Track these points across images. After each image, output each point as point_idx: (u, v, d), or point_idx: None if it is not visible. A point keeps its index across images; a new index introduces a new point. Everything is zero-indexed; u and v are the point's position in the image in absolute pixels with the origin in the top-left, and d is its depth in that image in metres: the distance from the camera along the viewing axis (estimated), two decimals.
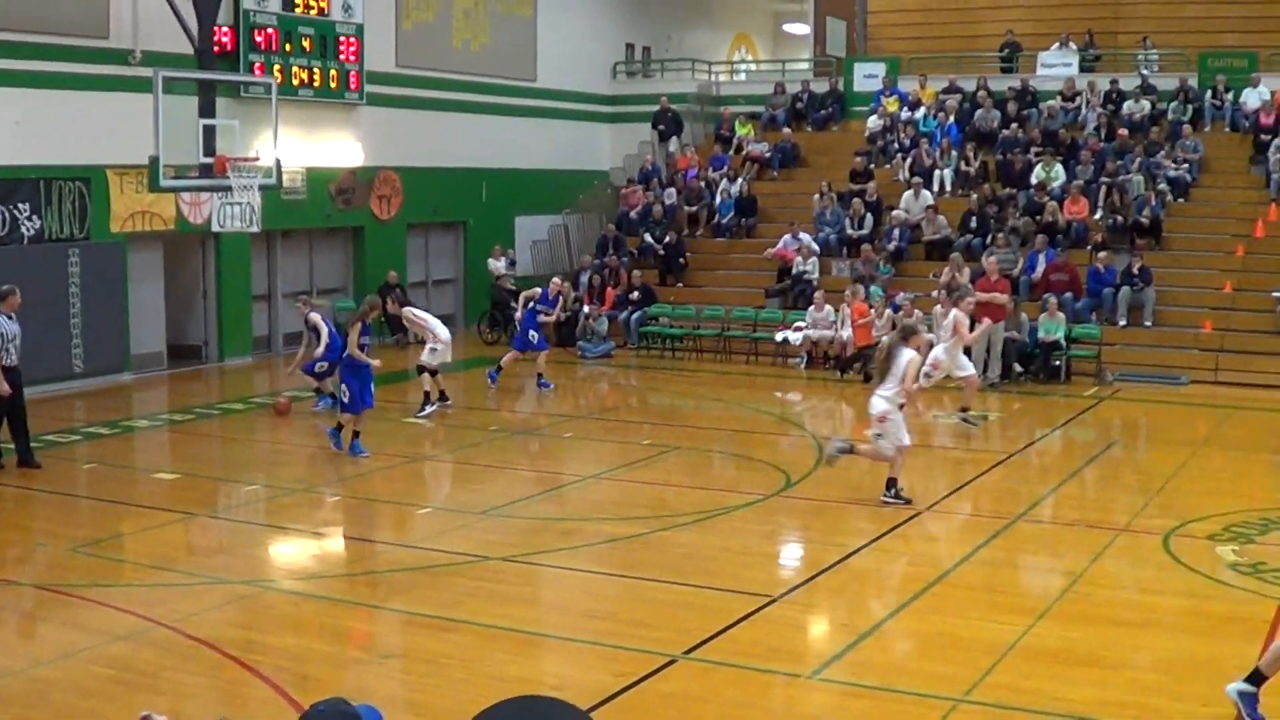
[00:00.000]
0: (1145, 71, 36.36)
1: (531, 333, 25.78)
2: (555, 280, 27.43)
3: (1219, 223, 31.05)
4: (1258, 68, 34.97)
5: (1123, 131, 33.40)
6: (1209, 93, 34.82)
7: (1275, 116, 32.65)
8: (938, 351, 21.10)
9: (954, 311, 21.30)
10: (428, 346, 23.24)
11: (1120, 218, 30.48)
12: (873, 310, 27.25)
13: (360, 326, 19.39)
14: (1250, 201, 31.34)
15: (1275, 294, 27.56)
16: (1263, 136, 32.50)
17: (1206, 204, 31.87)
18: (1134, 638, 12.10)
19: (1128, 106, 34.76)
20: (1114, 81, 35.65)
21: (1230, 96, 34.48)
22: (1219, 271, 29.34)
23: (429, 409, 22.76)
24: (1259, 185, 31.82)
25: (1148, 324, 28.18)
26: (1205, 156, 33.02)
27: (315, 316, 22.95)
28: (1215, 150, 33.48)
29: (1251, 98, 33.88)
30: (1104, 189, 31.20)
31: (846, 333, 27.93)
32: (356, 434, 19.30)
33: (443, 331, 23.29)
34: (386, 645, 12.15)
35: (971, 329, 21.91)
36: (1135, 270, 28.33)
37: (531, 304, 25.83)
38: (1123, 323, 28.12)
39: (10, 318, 17.95)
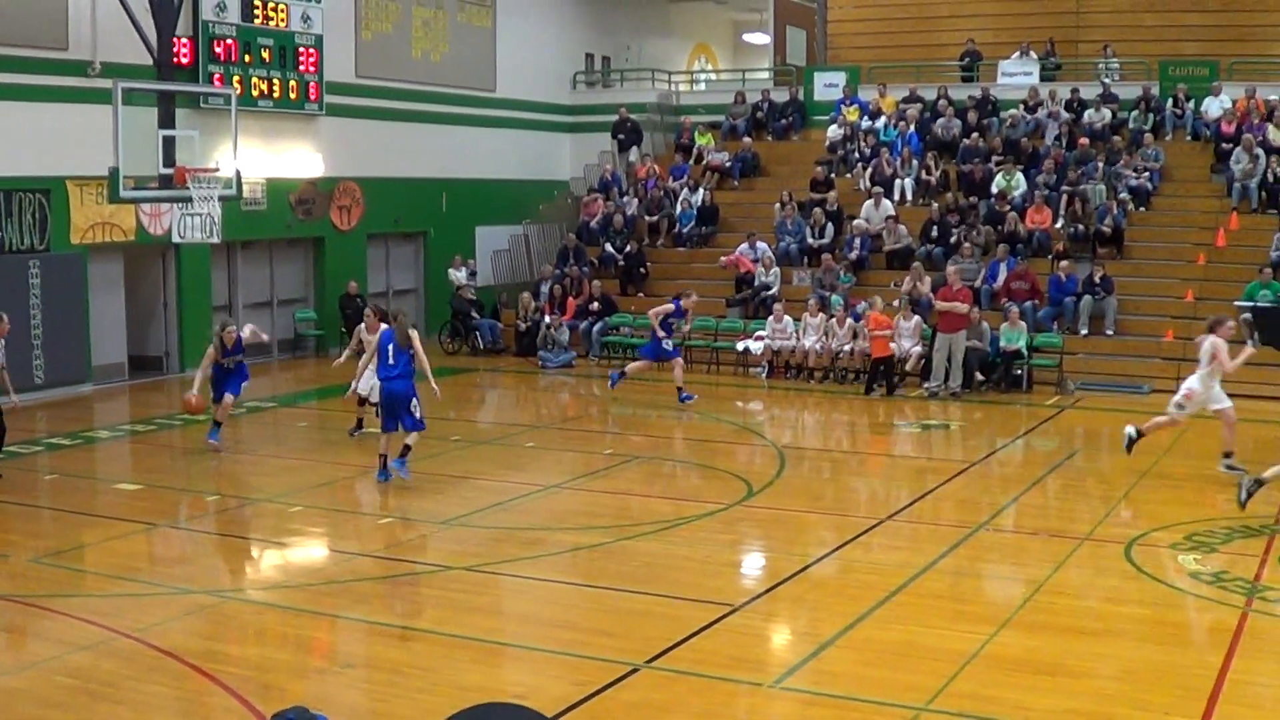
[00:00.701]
0: (1106, 80, 36.51)
1: (665, 342, 25.68)
2: (690, 294, 27.00)
3: (1181, 231, 31.19)
4: (1219, 76, 35.18)
5: (1084, 140, 33.49)
6: (1170, 101, 34.97)
7: (1236, 125, 32.83)
8: (1192, 381, 20.42)
9: (1210, 339, 20.50)
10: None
11: (1082, 226, 30.58)
12: (898, 317, 27.09)
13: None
14: (1212, 210, 31.49)
15: (1237, 304, 27.64)
16: (1224, 145, 32.69)
17: (1168, 213, 32.00)
18: (1096, 646, 12.10)
19: (1089, 115, 34.90)
20: (1075, 90, 35.80)
21: (1191, 105, 34.67)
22: (1181, 280, 29.46)
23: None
24: (1220, 194, 31.97)
25: (1109, 333, 28.25)
26: (1166, 165, 33.17)
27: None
28: (1176, 159, 33.65)
29: (1213, 106, 34.06)
30: (1065, 198, 31.28)
31: (808, 342, 27.96)
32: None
33: None
34: (348, 655, 12.12)
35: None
36: (1097, 279, 28.41)
37: (664, 317, 25.79)
38: (1084, 332, 28.21)
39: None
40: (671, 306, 26.04)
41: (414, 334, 18.50)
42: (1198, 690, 10.85)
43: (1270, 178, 31.09)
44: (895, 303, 27.90)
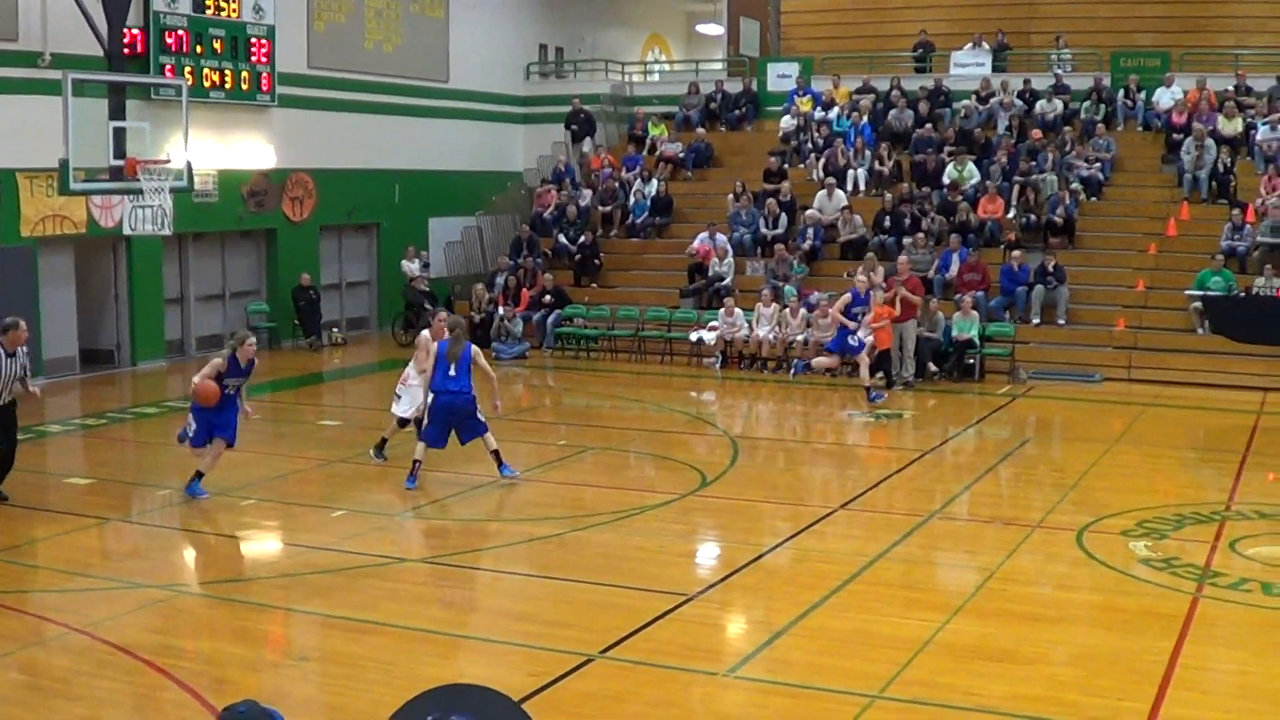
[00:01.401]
0: (1059, 71, 36.62)
1: (852, 336, 25.18)
2: (860, 278, 26.19)
3: (1132, 221, 31.35)
4: (1170, 67, 35.32)
5: (1036, 131, 33.61)
6: (1122, 92, 35.13)
7: (1187, 116, 33.00)
8: None
9: None
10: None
11: (1034, 216, 30.70)
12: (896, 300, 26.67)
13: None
14: (1163, 200, 31.64)
15: (1187, 292, 27.85)
16: (1175, 135, 32.84)
17: (1119, 203, 32.17)
18: (1049, 633, 12.19)
19: (1041, 106, 35.00)
20: (1027, 81, 35.91)
21: (1143, 96, 34.80)
22: (1132, 270, 29.62)
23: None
24: (1171, 184, 32.12)
25: (1061, 322, 28.38)
26: (1118, 155, 33.31)
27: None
28: (1128, 149, 33.79)
29: (1164, 97, 34.23)
30: (1017, 188, 31.39)
31: (761, 332, 28.01)
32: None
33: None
34: (303, 648, 12.08)
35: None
36: (1049, 269, 28.53)
37: (846, 308, 25.28)
38: (1036, 321, 28.32)
39: (12, 355, 16.67)
40: (850, 296, 25.33)
41: (476, 349, 17.93)
42: (1149, 675, 10.91)
43: (1220, 168, 31.27)
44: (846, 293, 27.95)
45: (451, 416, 17.65)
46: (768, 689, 10.83)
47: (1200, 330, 27.61)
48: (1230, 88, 34.14)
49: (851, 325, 25.17)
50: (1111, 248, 30.68)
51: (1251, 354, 26.58)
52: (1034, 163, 32.15)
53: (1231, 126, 32.63)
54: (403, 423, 19.12)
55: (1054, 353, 27.75)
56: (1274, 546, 15.04)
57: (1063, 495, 17.63)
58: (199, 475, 16.96)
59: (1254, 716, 10.38)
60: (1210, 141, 31.73)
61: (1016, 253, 29.11)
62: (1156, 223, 30.75)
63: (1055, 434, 23.52)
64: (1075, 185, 31.58)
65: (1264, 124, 32.33)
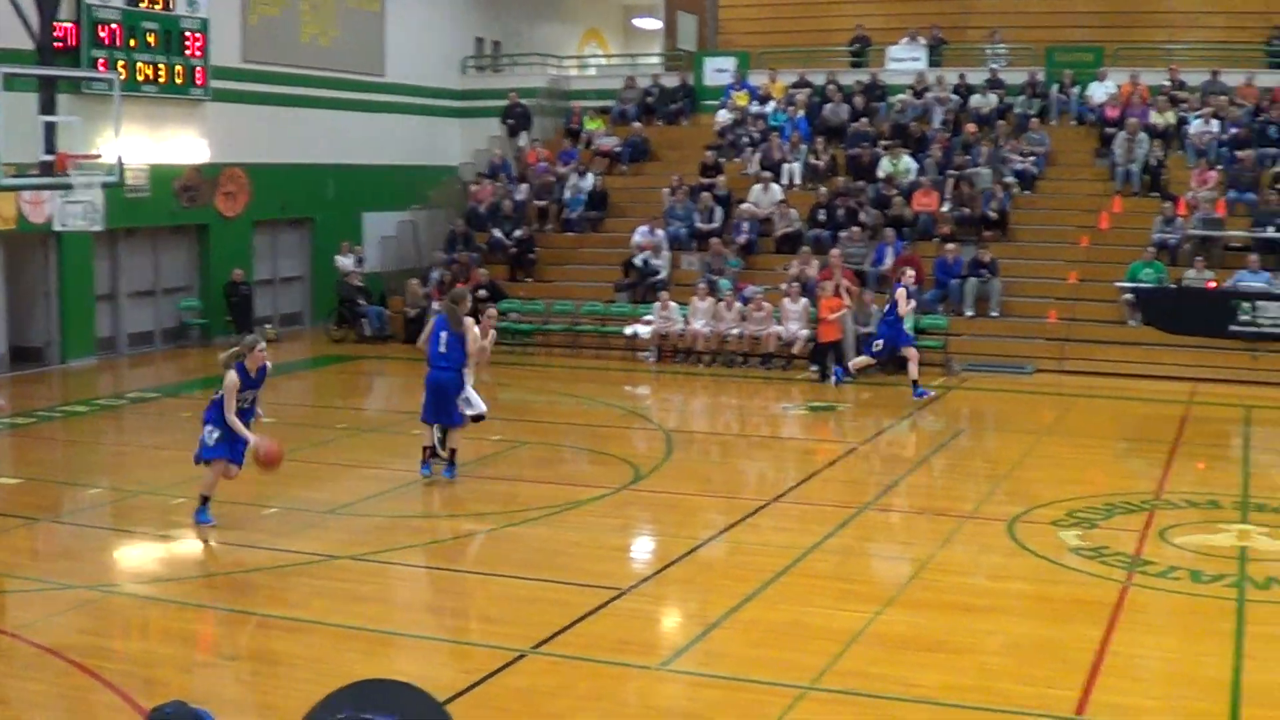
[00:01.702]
0: (994, 66, 36.78)
1: (901, 324, 24.74)
2: (910, 272, 26.06)
3: (1065, 214, 31.53)
4: (1104, 62, 35.61)
5: (971, 125, 33.75)
6: (1056, 87, 35.39)
7: (1120, 110, 33.26)
8: None
9: None
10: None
11: (968, 210, 30.83)
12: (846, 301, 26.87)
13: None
14: (1095, 193, 31.87)
15: (1119, 284, 28.02)
16: (1108, 129, 33.10)
17: (1052, 196, 32.35)
18: (981, 623, 12.27)
19: (976, 100, 35.19)
20: (962, 76, 36.09)
21: (1077, 90, 35.10)
22: (1064, 262, 29.78)
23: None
24: (1104, 177, 32.36)
25: (994, 314, 28.53)
26: (1052, 149, 33.52)
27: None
28: (1061, 143, 34.01)
29: (1098, 91, 34.51)
30: (952, 181, 31.51)
31: (697, 326, 28.04)
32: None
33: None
34: (233, 647, 11.98)
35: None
36: (982, 261, 28.69)
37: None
38: (969, 313, 28.47)
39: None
40: (904, 291, 24.89)
41: (469, 321, 17.58)
42: (1079, 664, 11.00)
43: (1152, 161, 31.52)
44: (782, 286, 28.03)
45: (439, 395, 17.54)
46: (701, 681, 10.83)
47: (1131, 322, 27.81)
48: (1163, 82, 34.42)
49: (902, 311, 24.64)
50: (1044, 240, 30.84)
51: (1181, 345, 26.86)
52: (968, 156, 32.32)
53: (1164, 120, 32.93)
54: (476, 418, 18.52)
55: (987, 345, 27.90)
56: (1203, 535, 15.16)
57: (995, 486, 17.78)
58: (205, 500, 15.45)
59: (1182, 703, 10.46)
60: (1143, 135, 32.00)
61: (950, 246, 29.24)
62: (1089, 216, 30.95)
63: (988, 425, 23.64)
64: (1009, 179, 31.75)
65: (1196, 118, 32.62)
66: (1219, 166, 31.17)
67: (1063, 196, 32.23)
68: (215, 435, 15.25)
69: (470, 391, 17.93)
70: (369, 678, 5.88)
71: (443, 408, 17.59)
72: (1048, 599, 13.01)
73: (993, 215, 30.42)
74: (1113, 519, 15.79)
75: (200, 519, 15.38)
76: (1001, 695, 10.45)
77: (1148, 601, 12.95)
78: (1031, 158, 32.56)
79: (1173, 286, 27.88)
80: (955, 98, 35.29)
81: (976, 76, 36.13)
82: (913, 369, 24.52)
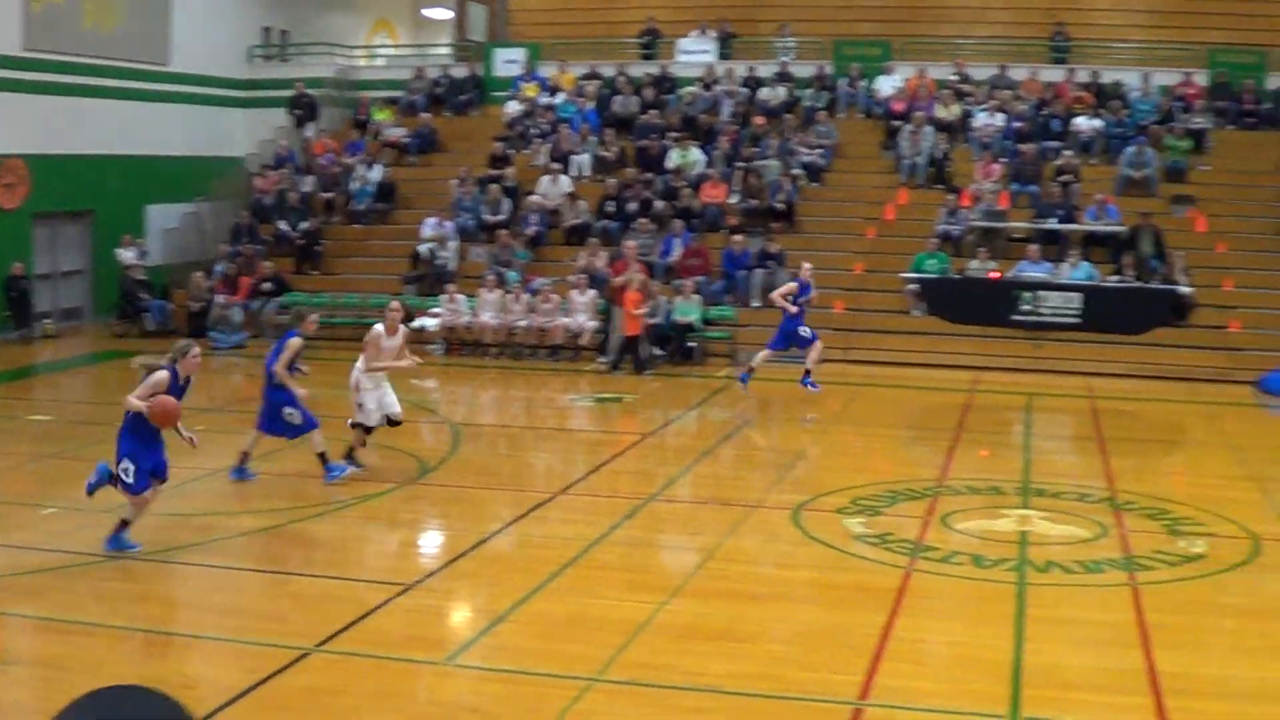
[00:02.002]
0: (783, 59, 37.02)
1: (801, 328, 23.78)
2: (805, 265, 25.03)
3: (851, 206, 31.86)
4: (891, 56, 36.13)
5: (760, 117, 33.95)
6: (844, 80, 35.74)
7: (907, 103, 33.73)
8: None
9: None
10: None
11: (755, 201, 30.99)
12: (646, 298, 26.55)
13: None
14: (881, 185, 32.25)
15: (903, 275, 28.34)
16: (894, 122, 33.55)
17: (839, 188, 32.64)
18: (767, 611, 12.28)
19: (764, 93, 35.38)
20: (752, 69, 36.29)
21: (864, 84, 35.51)
22: (851, 253, 30.07)
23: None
24: (890, 170, 32.76)
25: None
26: (839, 142, 33.84)
27: None
28: (849, 136, 34.34)
29: (885, 85, 34.99)
30: (740, 173, 31.66)
31: (485, 318, 27.82)
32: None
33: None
34: (11, 652, 11.47)
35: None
36: (770, 253, 28.84)
37: (793, 297, 23.93)
38: (756, 304, 28.52)
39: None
40: (795, 285, 24.12)
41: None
42: (863, 649, 11.03)
43: (937, 154, 31.99)
44: (570, 278, 27.93)
45: (266, 405, 17.25)
46: (487, 676, 10.67)
47: (916, 312, 28.14)
48: (950, 76, 34.94)
49: (794, 310, 23.92)
50: (831, 232, 31.12)
51: (965, 334, 27.31)
52: (757, 149, 32.50)
53: (949, 114, 33.42)
54: (368, 431, 17.93)
55: (773, 335, 27.94)
56: (984, 520, 15.34)
57: (781, 475, 17.85)
58: (125, 524, 14.03)
59: (965, 685, 10.53)
60: (928, 128, 32.49)
61: (738, 237, 29.35)
62: (875, 207, 31.31)
63: (774, 415, 23.69)
64: (797, 171, 31.98)
65: (981, 111, 33.16)
66: (1003, 159, 31.70)
67: (849, 188, 32.54)
68: (132, 471, 13.76)
69: (364, 397, 17.71)
70: (106, 686, 5.56)
71: (273, 419, 17.22)
72: (833, 586, 13.05)
73: (780, 207, 30.62)
74: (897, 506, 15.91)
75: (120, 546, 13.88)
76: (786, 682, 10.43)
77: (931, 587, 13.05)
78: (819, 150, 32.85)
79: (956, 277, 28.31)
80: (744, 90, 35.46)
81: (766, 69, 36.32)
82: (813, 355, 23.89)
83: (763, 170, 31.69)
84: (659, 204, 31.14)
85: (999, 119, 33.00)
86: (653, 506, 16.16)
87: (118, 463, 13.83)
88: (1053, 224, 29.67)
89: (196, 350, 14.33)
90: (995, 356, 26.86)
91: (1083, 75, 34.94)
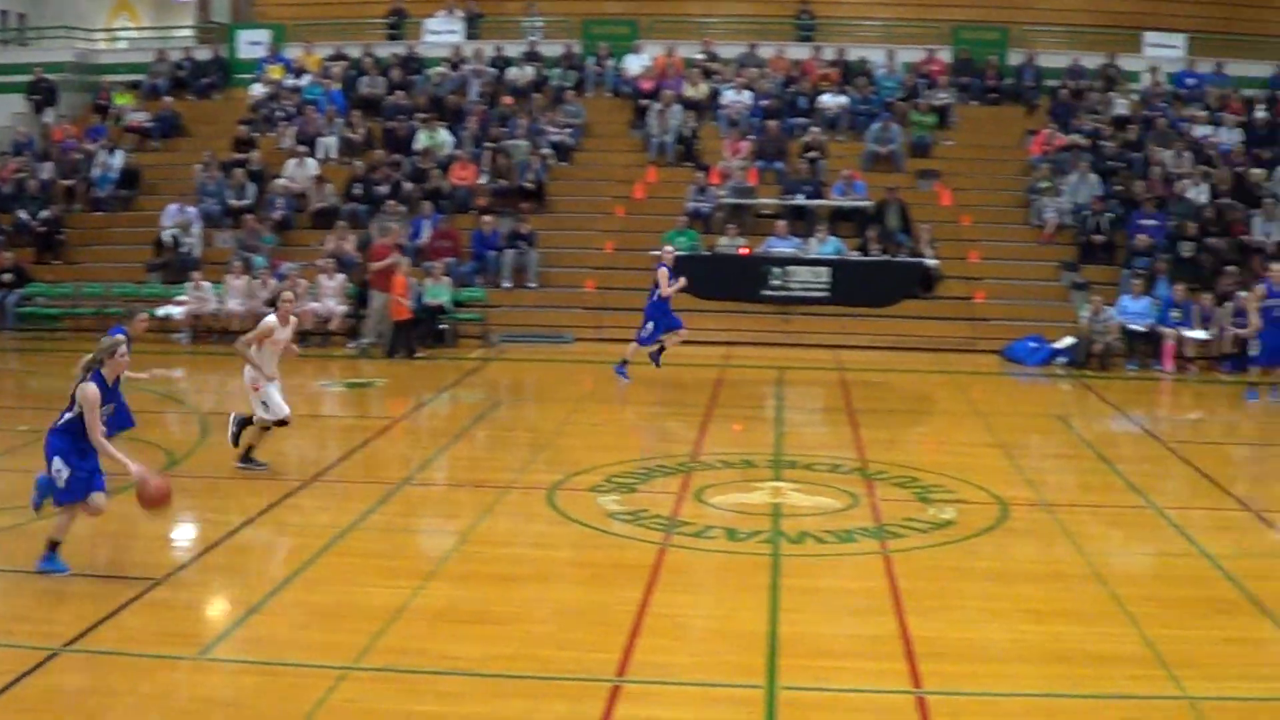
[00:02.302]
0: (532, 38, 36.98)
1: (649, 323, 23.22)
2: (668, 248, 24.56)
3: (601, 185, 31.99)
4: (639, 35, 36.38)
5: (508, 97, 33.91)
6: (592, 59, 35.85)
7: (655, 82, 33.92)
8: None
9: None
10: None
11: (505, 182, 30.99)
12: (412, 280, 26.33)
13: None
14: (630, 164, 32.42)
15: (654, 252, 28.45)
16: (643, 101, 33.75)
17: (589, 167, 32.76)
18: (524, 591, 12.24)
19: (512, 73, 35.36)
20: (499, 48, 36.22)
21: (613, 63, 35.66)
22: (601, 232, 30.22)
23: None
24: (639, 148, 32.95)
25: (532, 285, 28.73)
26: (588, 121, 33.96)
27: None
28: (597, 115, 34.47)
29: (633, 64, 35.21)
30: (489, 154, 31.58)
31: (232, 305, 27.39)
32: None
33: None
34: None
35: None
36: (520, 233, 28.85)
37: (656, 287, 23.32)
38: (508, 285, 28.57)
39: None
40: (665, 271, 23.51)
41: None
42: (620, 626, 11.05)
43: (686, 132, 32.25)
44: (318, 262, 27.61)
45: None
46: (242, 668, 10.47)
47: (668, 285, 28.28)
48: (698, 55, 35.24)
49: (667, 291, 23.34)
50: (581, 211, 31.25)
51: (716, 310, 27.54)
52: (505, 128, 32.47)
53: (697, 92, 33.74)
54: (279, 424, 17.08)
55: (526, 316, 28.13)
56: (738, 494, 15.51)
57: (535, 455, 17.84)
58: (55, 545, 12.66)
59: (721, 657, 10.63)
60: (677, 107, 32.75)
61: (487, 218, 29.31)
62: (625, 186, 31.49)
63: (528, 395, 23.74)
64: (546, 150, 31.97)
65: (729, 89, 33.49)
66: (751, 137, 32.05)
67: (599, 167, 32.68)
68: (65, 475, 12.50)
69: (265, 393, 16.89)
70: None
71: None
72: (589, 564, 13.10)
73: (530, 187, 30.66)
74: (651, 482, 16.00)
75: (51, 567, 12.51)
76: (543, 662, 10.42)
77: (686, 561, 13.16)
78: (568, 129, 32.93)
79: (706, 254, 28.52)
80: (492, 70, 35.40)
81: (514, 49, 36.32)
82: (673, 340, 23.56)
83: (511, 150, 31.65)
84: (407, 186, 30.92)
85: (746, 97, 33.40)
86: (406, 491, 16.03)
87: (48, 463, 12.69)
88: (800, 200, 30.13)
89: (123, 348, 13.10)
90: (746, 331, 27.21)
91: (829, 53, 35.59)
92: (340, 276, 27.18)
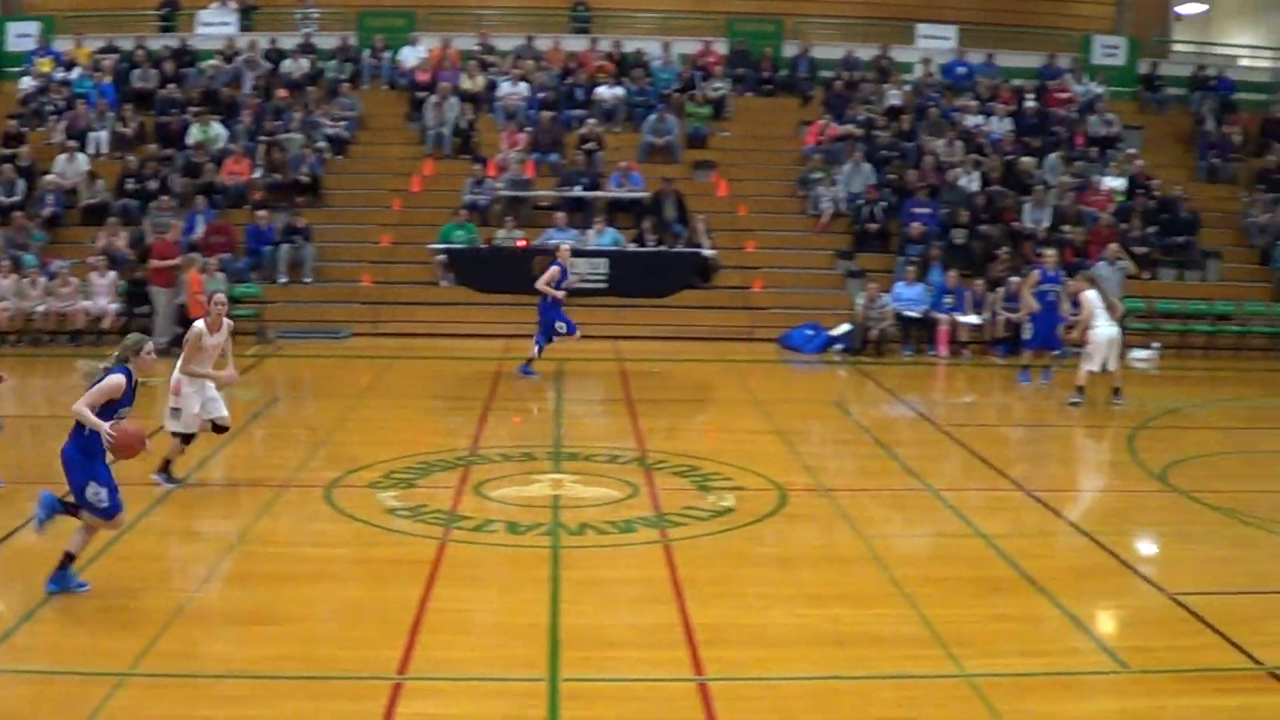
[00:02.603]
0: (307, 30, 36.65)
1: (558, 322, 23.15)
2: (564, 246, 24.21)
3: (377, 178, 31.90)
4: (415, 27, 36.25)
5: (282, 90, 33.59)
6: (368, 51, 35.71)
7: (432, 74, 33.92)
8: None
9: None
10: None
11: (279, 176, 30.73)
12: (204, 277, 25.52)
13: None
14: (407, 157, 32.39)
15: (431, 246, 28.49)
16: (419, 93, 33.72)
17: (365, 160, 32.65)
18: (304, 591, 12.15)
19: (287, 65, 35.07)
20: (274, 41, 35.85)
21: (389, 55, 35.55)
22: (378, 226, 30.14)
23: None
24: (415, 141, 32.92)
25: (308, 280, 28.58)
26: (364, 114, 33.86)
27: None
28: (374, 107, 34.37)
29: (409, 56, 35.16)
30: (263, 148, 31.28)
31: (1, 304, 26.79)
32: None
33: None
34: None
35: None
36: (296, 227, 28.64)
37: (556, 282, 23.05)
38: (284, 280, 28.37)
39: None
40: (557, 270, 23.23)
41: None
42: (401, 623, 11.04)
43: (463, 124, 32.26)
44: (90, 259, 27.13)
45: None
46: (13, 679, 10.19)
47: (444, 283, 28.37)
48: (474, 47, 35.24)
49: (560, 295, 23.39)
50: (358, 205, 31.12)
51: (494, 303, 27.56)
52: (280, 122, 32.21)
53: (474, 84, 33.78)
54: (187, 439, 16.23)
55: (302, 311, 27.94)
56: (518, 487, 15.59)
57: (313, 452, 17.72)
58: (71, 558, 12.12)
59: (505, 651, 10.67)
60: (453, 99, 32.75)
61: (262, 213, 29.04)
62: (401, 179, 31.44)
63: (305, 392, 23.54)
64: (321, 144, 31.77)
65: (506, 81, 33.56)
66: (527, 129, 32.14)
67: (375, 160, 32.59)
68: (104, 495, 11.91)
69: (183, 401, 16.17)
70: None
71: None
72: (369, 561, 13.05)
73: (305, 180, 30.47)
74: (430, 477, 16.01)
75: (69, 585, 12.03)
76: (324, 662, 10.37)
77: (467, 555, 13.18)
78: (343, 122, 32.78)
79: (484, 247, 28.58)
80: (267, 63, 35.07)
81: (288, 41, 35.99)
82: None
83: (286, 144, 31.40)
84: (181, 181, 30.47)
85: (523, 89, 33.53)
86: (181, 492, 15.75)
87: (81, 490, 12.04)
88: (578, 191, 30.30)
89: (149, 346, 12.52)
90: (525, 324, 27.05)
91: (605, 45, 35.79)
92: (112, 274, 26.74)
